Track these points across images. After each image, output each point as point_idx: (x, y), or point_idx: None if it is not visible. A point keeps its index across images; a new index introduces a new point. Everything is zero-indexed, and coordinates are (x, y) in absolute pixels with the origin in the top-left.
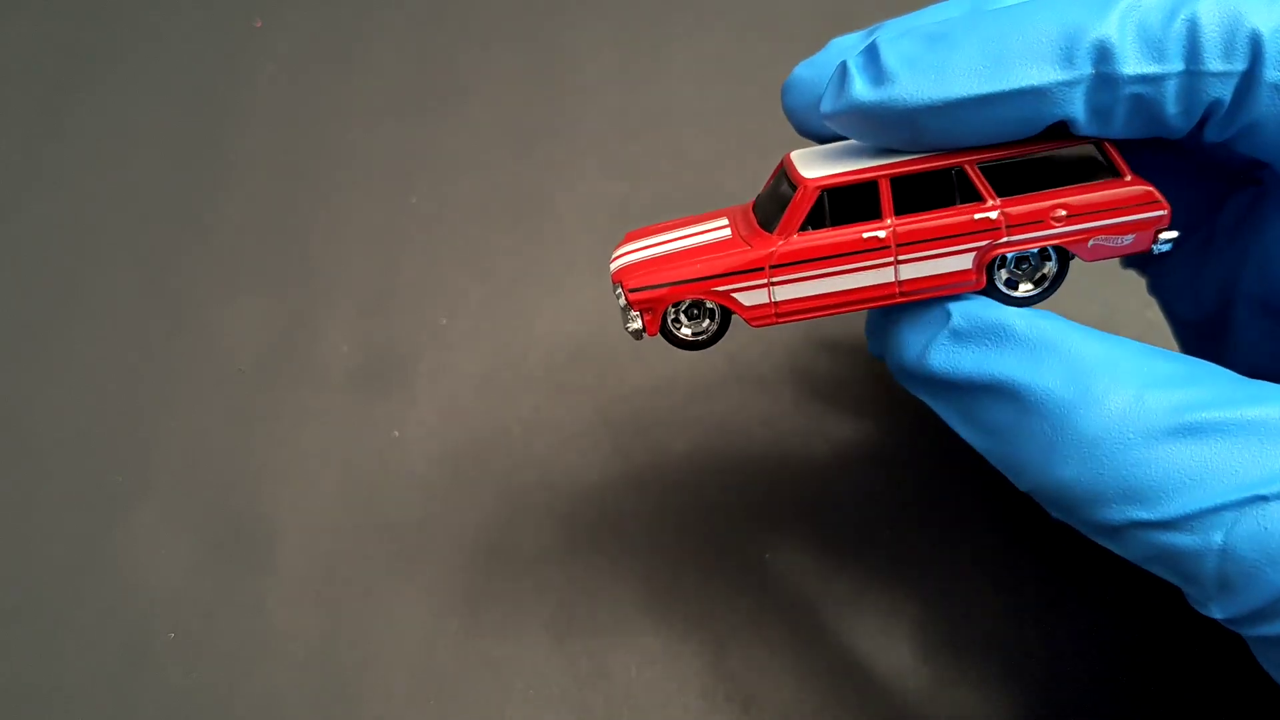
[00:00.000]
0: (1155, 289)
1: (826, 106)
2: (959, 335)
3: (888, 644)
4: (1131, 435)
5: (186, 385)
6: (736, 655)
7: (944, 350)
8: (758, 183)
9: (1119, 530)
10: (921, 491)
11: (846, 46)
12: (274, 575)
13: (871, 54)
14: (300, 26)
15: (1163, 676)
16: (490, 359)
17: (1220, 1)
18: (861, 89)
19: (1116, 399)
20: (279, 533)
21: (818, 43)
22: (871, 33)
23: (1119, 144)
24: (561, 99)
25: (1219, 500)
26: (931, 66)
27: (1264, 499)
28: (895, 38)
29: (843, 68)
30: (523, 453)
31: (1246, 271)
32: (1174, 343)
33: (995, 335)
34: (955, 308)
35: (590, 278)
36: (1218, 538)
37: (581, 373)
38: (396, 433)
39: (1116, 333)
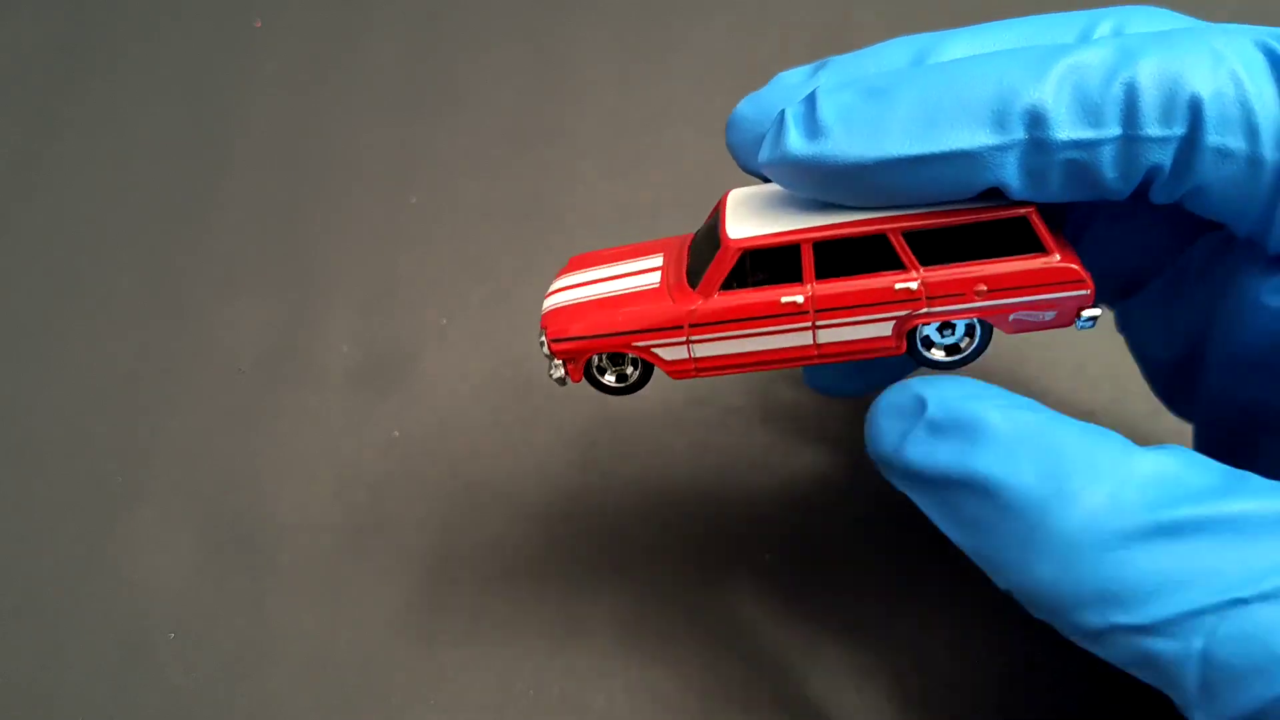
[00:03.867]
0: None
1: (763, 156)
2: (935, 427)
3: (887, 645)
4: (1108, 536)
5: (186, 385)
6: (737, 655)
7: (920, 443)
8: (757, 184)
9: (1099, 635)
10: None
11: (792, 84)
12: (274, 575)
13: (810, 105)
14: (300, 26)
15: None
16: (490, 359)
17: (1160, 65)
18: (795, 142)
19: (1092, 498)
20: (279, 533)
21: (817, 42)
22: (818, 69)
23: (1060, 206)
24: (561, 99)
25: (1198, 604)
26: (866, 123)
27: (1244, 601)
28: (835, 89)
29: (781, 117)
30: (523, 453)
31: (1214, 332)
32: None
33: (972, 428)
34: (931, 397)
35: None
36: (1198, 643)
37: None
38: (396, 433)
39: (1114, 341)
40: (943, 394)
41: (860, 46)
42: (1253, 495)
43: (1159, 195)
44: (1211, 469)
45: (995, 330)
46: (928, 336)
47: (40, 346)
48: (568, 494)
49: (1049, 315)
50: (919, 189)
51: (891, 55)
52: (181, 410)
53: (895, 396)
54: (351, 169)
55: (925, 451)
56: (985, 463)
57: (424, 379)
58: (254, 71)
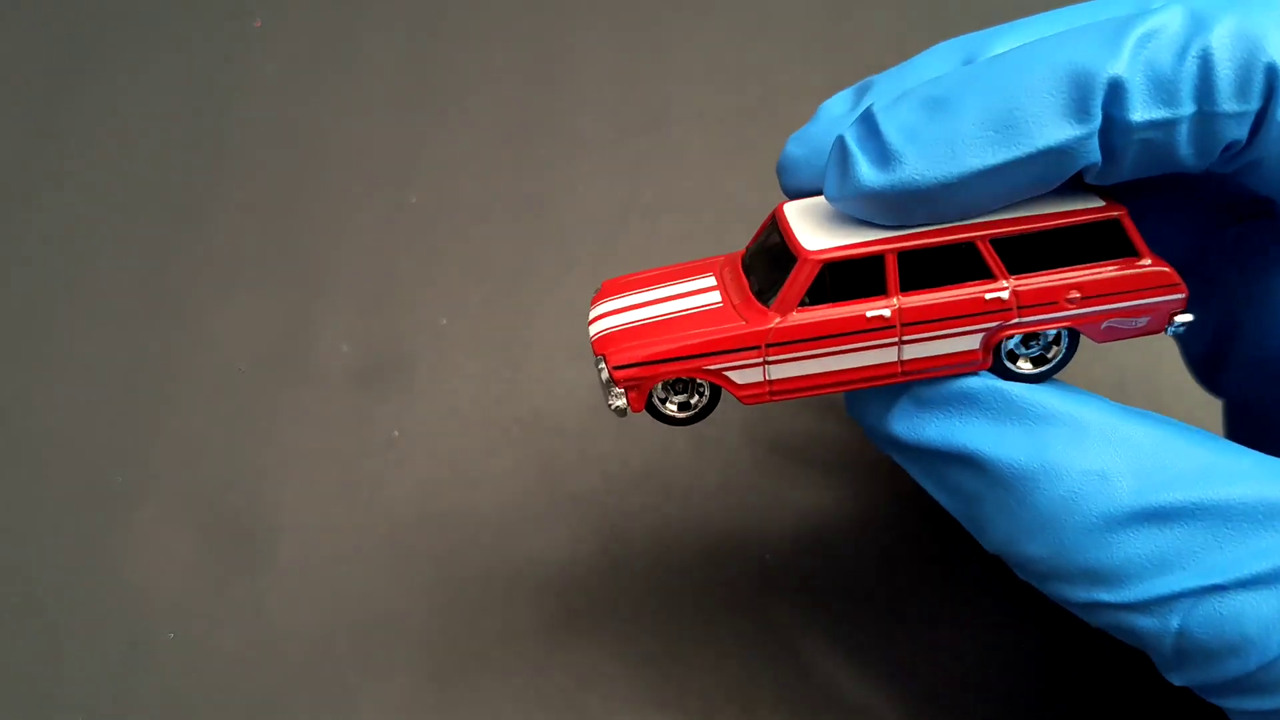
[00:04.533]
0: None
1: (831, 192)
2: (921, 402)
3: (888, 645)
4: (1094, 519)
5: (186, 385)
6: (736, 657)
7: (907, 416)
8: (757, 184)
9: (1084, 606)
10: (924, 500)
11: (838, 114)
12: (274, 575)
13: (870, 127)
14: (300, 26)
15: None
16: (490, 359)
17: (1235, 30)
18: (868, 173)
19: (1079, 476)
20: (279, 533)
21: (816, 41)
22: (861, 90)
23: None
24: (562, 99)
25: (1178, 588)
26: (939, 139)
27: (1221, 588)
28: (891, 105)
29: (842, 147)
30: (522, 453)
31: (1246, 322)
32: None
33: (957, 401)
34: None
35: (590, 277)
36: (1175, 621)
37: (582, 373)
38: (396, 433)
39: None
40: None
41: (860, 46)
42: (1237, 480)
43: (1219, 165)
44: (1199, 443)
45: (1077, 339)
46: (1012, 350)
47: (40, 346)
48: (567, 493)
49: (1142, 322)
50: (1005, 194)
51: (936, 63)
52: (181, 410)
53: None
54: (351, 169)
55: (912, 425)
56: (973, 437)
57: (424, 379)
58: (254, 71)
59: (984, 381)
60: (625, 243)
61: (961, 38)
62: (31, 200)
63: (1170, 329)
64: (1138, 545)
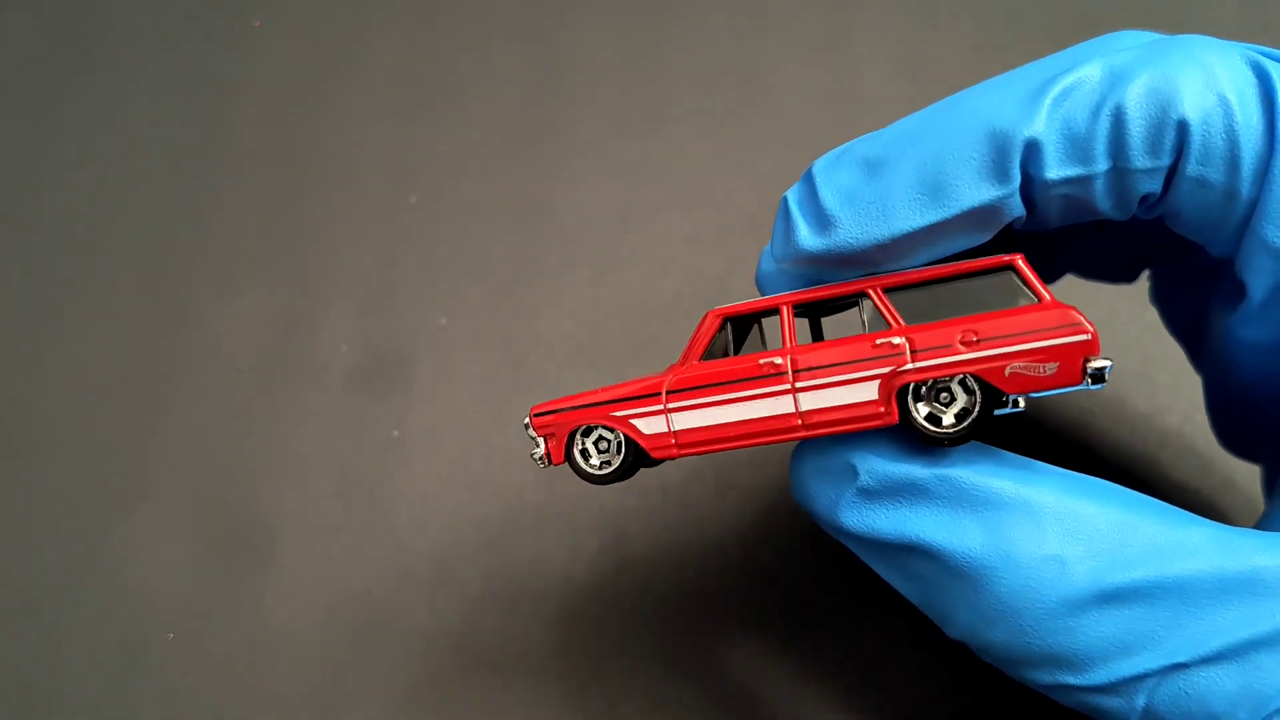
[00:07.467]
0: (1155, 296)
1: (777, 253)
2: (868, 493)
3: (888, 647)
4: (1053, 603)
5: (186, 385)
6: (738, 656)
7: (855, 509)
8: (758, 184)
9: (1048, 688)
10: None
11: None
12: (273, 575)
13: (810, 189)
14: (300, 26)
15: None
16: (490, 359)
17: (1149, 86)
18: (806, 237)
19: (1037, 563)
20: (278, 533)
21: (816, 40)
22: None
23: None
24: (561, 99)
25: (1141, 669)
26: (871, 203)
27: (1184, 665)
28: (831, 165)
29: (785, 210)
30: (521, 453)
31: (1202, 368)
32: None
33: (907, 491)
34: (861, 463)
35: (590, 278)
36: (1141, 701)
37: (581, 373)
38: (396, 432)
39: (1118, 338)
40: (872, 461)
41: (859, 45)
42: (1192, 555)
43: (1142, 214)
44: (1153, 518)
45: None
46: (930, 414)
47: (40, 347)
48: (565, 493)
49: (1051, 368)
50: (936, 249)
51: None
52: (181, 410)
53: (821, 459)
54: (351, 168)
55: (862, 518)
56: (925, 528)
57: (424, 379)
58: (253, 71)
59: (931, 470)
60: (625, 243)
61: (936, 105)
62: (32, 200)
63: (1087, 380)
64: (1099, 628)
